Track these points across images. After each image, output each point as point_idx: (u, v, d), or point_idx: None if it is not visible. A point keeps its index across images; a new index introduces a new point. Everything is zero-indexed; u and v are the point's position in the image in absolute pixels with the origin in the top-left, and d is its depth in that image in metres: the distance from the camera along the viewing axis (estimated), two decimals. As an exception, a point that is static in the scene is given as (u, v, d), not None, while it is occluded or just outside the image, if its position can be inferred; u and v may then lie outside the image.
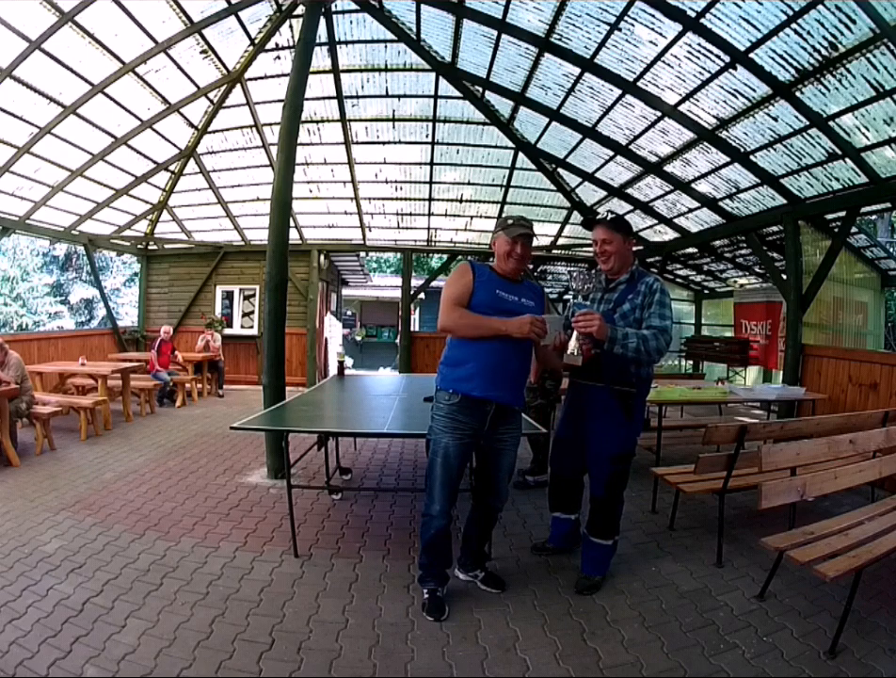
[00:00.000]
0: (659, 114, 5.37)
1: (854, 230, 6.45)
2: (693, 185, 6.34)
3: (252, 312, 9.43)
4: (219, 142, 7.71)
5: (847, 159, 4.48)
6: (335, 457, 4.17)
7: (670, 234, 7.99)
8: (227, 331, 9.08)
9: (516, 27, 5.25)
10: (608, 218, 2.51)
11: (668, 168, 6.23)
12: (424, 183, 8.26)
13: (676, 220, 7.48)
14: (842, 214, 4.96)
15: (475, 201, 8.63)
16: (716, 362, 8.70)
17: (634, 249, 2.70)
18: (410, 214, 9.06)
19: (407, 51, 6.30)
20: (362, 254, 11.41)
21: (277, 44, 6.30)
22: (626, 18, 4.45)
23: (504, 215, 8.63)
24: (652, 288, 2.42)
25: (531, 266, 10.70)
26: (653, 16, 4.30)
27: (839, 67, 3.81)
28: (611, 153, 6.54)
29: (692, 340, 9.46)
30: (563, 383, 4.09)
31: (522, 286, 2.34)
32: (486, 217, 9.00)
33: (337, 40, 6.25)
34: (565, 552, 2.87)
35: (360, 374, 8.63)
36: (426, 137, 7.42)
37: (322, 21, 5.53)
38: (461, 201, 8.62)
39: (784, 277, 5.50)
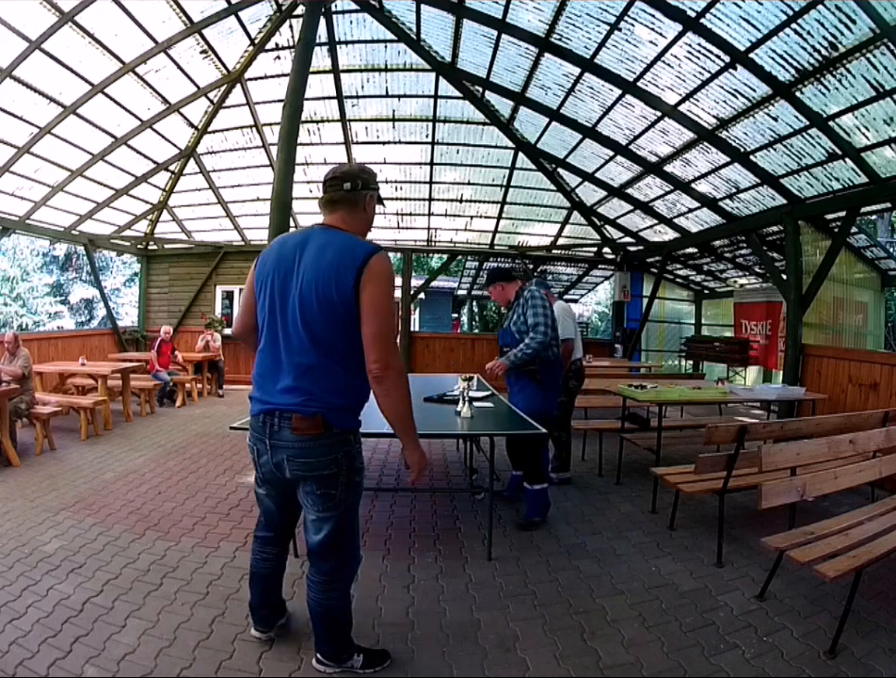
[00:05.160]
0: (659, 114, 5.38)
1: (854, 230, 6.46)
2: (693, 185, 6.34)
3: (252, 312, 9.42)
4: (219, 142, 7.71)
5: (847, 159, 4.48)
6: (335, 457, 4.16)
7: (670, 234, 8.00)
8: (227, 331, 9.07)
9: (516, 27, 5.25)
10: (487, 278, 3.57)
11: (668, 168, 6.23)
12: (424, 183, 8.27)
13: (676, 220, 7.48)
14: (842, 214, 4.96)
15: (475, 201, 8.63)
16: (716, 362, 8.70)
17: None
18: (410, 214, 9.06)
19: (407, 51, 6.30)
20: (362, 254, 11.40)
21: (277, 44, 6.30)
22: (626, 18, 4.46)
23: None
24: (521, 299, 3.29)
25: (531, 266, 10.70)
26: (653, 16, 4.31)
27: (839, 67, 3.82)
28: (611, 153, 6.55)
29: (692, 340, 9.46)
30: (584, 383, 4.33)
31: None
32: (486, 217, 9.00)
33: (337, 40, 6.26)
34: (514, 501, 3.56)
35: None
36: (426, 137, 7.43)
37: (322, 21, 5.54)
38: (461, 201, 8.62)
39: (784, 277, 5.50)
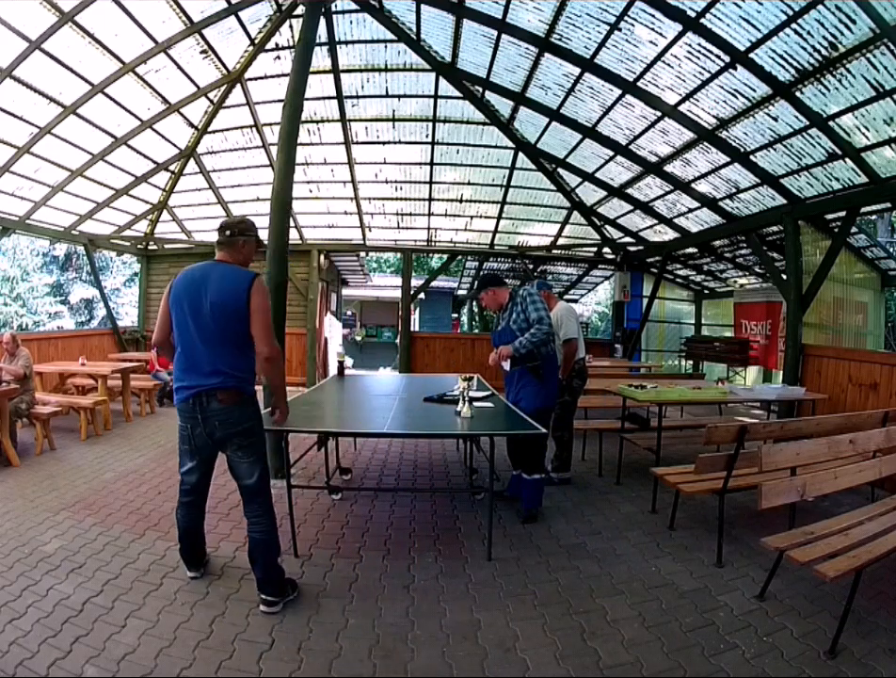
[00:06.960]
0: (659, 114, 5.37)
1: (854, 230, 6.46)
2: (693, 185, 6.34)
3: (252, 312, 9.41)
4: (219, 142, 7.70)
5: (847, 159, 4.48)
6: (335, 457, 4.17)
7: (670, 234, 7.99)
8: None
9: (516, 27, 5.24)
10: (478, 285, 3.69)
11: (668, 168, 6.23)
12: (424, 183, 8.26)
13: (676, 220, 7.47)
14: (842, 214, 4.96)
15: (475, 201, 8.62)
16: (716, 362, 8.70)
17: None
18: (410, 214, 9.05)
19: (407, 51, 6.29)
20: (362, 254, 11.41)
21: (277, 44, 6.29)
22: (626, 18, 4.45)
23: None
24: (518, 298, 3.46)
25: (531, 266, 10.71)
26: (653, 16, 4.30)
27: (839, 67, 3.81)
28: (611, 153, 6.54)
29: (692, 340, 9.45)
30: (587, 383, 4.30)
31: None
32: (486, 217, 9.00)
33: (337, 40, 6.25)
34: (514, 501, 3.56)
35: (360, 374, 8.62)
36: (426, 137, 7.42)
37: (322, 21, 5.53)
38: (461, 201, 8.61)
39: (784, 277, 5.50)
